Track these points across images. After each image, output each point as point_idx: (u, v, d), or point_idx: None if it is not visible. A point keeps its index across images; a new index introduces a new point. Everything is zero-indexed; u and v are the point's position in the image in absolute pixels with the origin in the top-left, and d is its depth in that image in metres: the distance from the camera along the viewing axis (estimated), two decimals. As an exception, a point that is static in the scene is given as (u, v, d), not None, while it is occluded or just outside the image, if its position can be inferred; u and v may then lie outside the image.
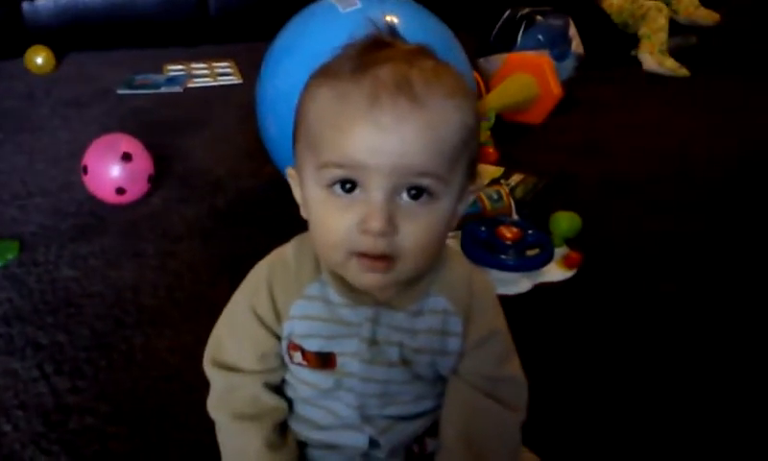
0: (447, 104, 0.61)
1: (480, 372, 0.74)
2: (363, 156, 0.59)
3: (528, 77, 2.28)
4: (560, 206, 1.56)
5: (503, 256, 1.40)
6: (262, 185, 1.80)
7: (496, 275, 1.38)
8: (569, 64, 2.47)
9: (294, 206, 0.70)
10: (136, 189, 1.71)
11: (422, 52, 0.65)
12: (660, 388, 1.13)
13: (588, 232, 1.53)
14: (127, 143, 1.72)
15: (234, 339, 0.76)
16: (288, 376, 0.76)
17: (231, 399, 0.75)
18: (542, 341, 1.23)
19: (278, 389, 0.76)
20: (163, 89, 2.68)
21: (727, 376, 1.16)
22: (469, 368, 0.74)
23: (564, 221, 1.50)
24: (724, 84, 2.85)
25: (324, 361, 0.72)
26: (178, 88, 2.70)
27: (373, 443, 0.74)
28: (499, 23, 2.54)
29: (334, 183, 0.62)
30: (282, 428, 0.76)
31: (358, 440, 0.74)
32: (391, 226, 0.60)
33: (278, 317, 0.72)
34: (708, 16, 3.21)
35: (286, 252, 0.75)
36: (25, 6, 3.02)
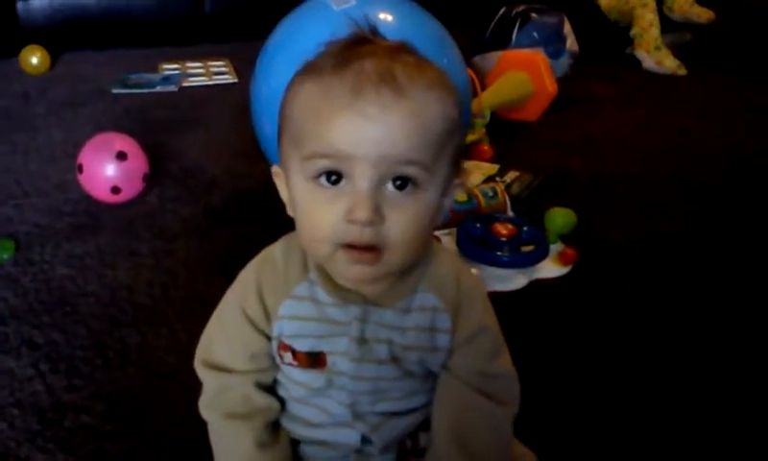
0: (430, 95, 0.62)
1: (470, 368, 0.74)
2: (348, 146, 0.60)
3: (523, 74, 2.28)
4: (555, 203, 1.56)
5: (498, 253, 1.40)
6: (257, 184, 1.80)
7: (492, 271, 1.39)
8: (564, 62, 2.47)
9: (287, 204, 0.70)
10: (131, 188, 1.71)
11: (404, 48, 0.66)
12: (654, 384, 1.14)
13: (584, 229, 1.54)
14: (122, 142, 1.72)
15: (225, 340, 0.76)
16: (279, 376, 0.76)
17: (223, 399, 0.76)
18: (538, 337, 1.23)
19: (270, 389, 0.77)
20: (158, 88, 2.68)
21: (721, 373, 1.17)
22: (459, 364, 0.74)
23: (560, 217, 1.51)
24: (719, 81, 2.85)
25: (314, 361, 0.72)
26: (173, 87, 2.69)
27: (366, 439, 0.75)
28: (494, 21, 2.55)
29: (320, 175, 0.62)
30: (274, 427, 0.76)
31: (350, 437, 0.75)
32: (377, 215, 0.61)
33: (268, 317, 0.73)
34: (702, 14, 3.22)
35: (274, 251, 0.75)
36: (19, 6, 3.00)
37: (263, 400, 0.75)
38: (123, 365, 1.17)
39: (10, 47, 2.93)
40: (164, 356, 1.18)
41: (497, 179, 1.78)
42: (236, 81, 2.75)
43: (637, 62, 3.01)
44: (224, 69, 2.88)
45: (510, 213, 1.60)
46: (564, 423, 1.04)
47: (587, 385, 1.13)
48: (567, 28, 2.50)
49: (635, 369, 1.17)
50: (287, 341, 0.72)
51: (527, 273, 1.41)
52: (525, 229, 1.46)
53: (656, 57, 2.96)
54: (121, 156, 1.68)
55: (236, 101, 2.32)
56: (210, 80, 2.79)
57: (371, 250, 0.62)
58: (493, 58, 2.40)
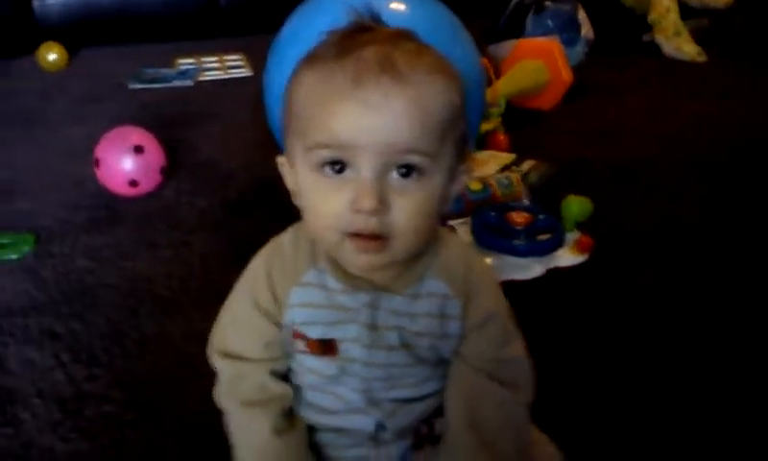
0: (431, 80, 0.62)
1: (481, 354, 0.74)
2: (350, 135, 0.60)
3: (538, 63, 2.27)
4: (571, 191, 1.55)
5: (514, 242, 1.40)
6: (273, 176, 1.81)
7: (508, 260, 1.38)
8: (579, 50, 2.46)
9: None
10: (149, 181, 1.73)
11: (405, 35, 0.66)
12: (673, 373, 1.13)
13: (600, 217, 1.53)
14: (138, 136, 1.74)
15: (238, 329, 0.77)
16: (294, 365, 0.77)
17: (239, 387, 0.76)
18: (555, 325, 1.23)
19: (285, 376, 0.77)
20: (174, 83, 2.70)
21: (740, 361, 1.16)
22: (471, 350, 0.74)
23: (576, 205, 1.50)
24: (736, 67, 2.82)
25: (325, 348, 0.72)
26: (189, 82, 2.71)
27: (381, 426, 0.75)
28: (508, 9, 2.54)
29: (324, 165, 0.63)
30: (290, 414, 0.77)
31: (365, 423, 0.75)
32: (382, 204, 0.61)
33: (279, 305, 0.73)
34: (720, -1, 3.18)
35: (282, 240, 0.76)
36: (35, 3, 3.03)
37: (278, 387, 0.76)
38: (142, 354, 1.19)
39: (26, 44, 2.96)
40: (182, 345, 1.20)
41: (513, 167, 1.77)
42: (252, 74, 2.75)
43: (654, 49, 2.97)
44: (239, 63, 2.89)
45: (526, 202, 1.60)
46: (582, 412, 1.04)
47: (604, 374, 1.12)
48: (582, 15, 2.49)
49: (652, 358, 1.17)
50: (299, 329, 0.73)
51: (543, 261, 1.41)
52: (541, 217, 1.46)
53: (675, 42, 2.92)
54: (138, 149, 1.70)
55: (252, 94, 2.32)
56: (226, 74, 2.80)
57: (377, 238, 0.63)
58: (508, 46, 2.38)
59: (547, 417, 0.85)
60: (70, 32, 3.07)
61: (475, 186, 1.56)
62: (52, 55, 2.87)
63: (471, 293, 0.73)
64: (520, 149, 1.90)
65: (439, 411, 0.77)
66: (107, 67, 2.89)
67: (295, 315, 0.73)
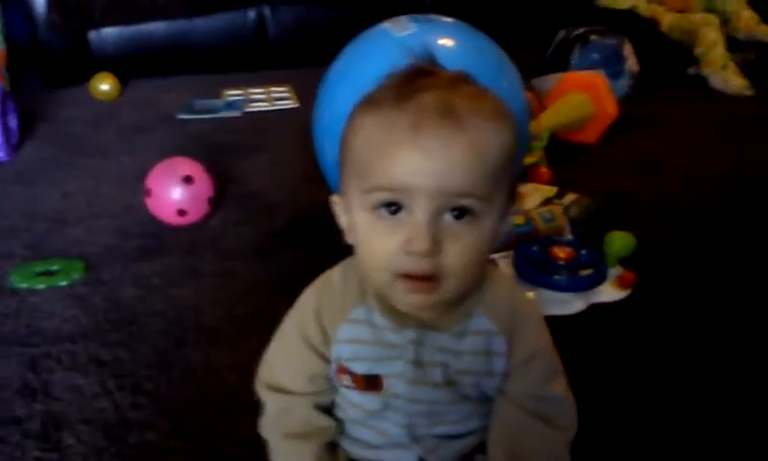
0: (489, 127, 0.63)
1: (526, 391, 0.74)
2: (408, 178, 0.61)
3: (583, 96, 2.26)
4: (614, 225, 1.54)
5: (556, 277, 1.39)
6: (318, 208, 1.83)
7: (549, 295, 1.38)
8: (624, 83, 2.45)
9: (346, 229, 0.72)
10: (197, 211, 1.76)
11: (463, 79, 0.67)
12: (714, 412, 1.11)
13: (643, 253, 1.51)
14: (188, 166, 1.77)
15: (285, 362, 0.78)
16: (338, 399, 0.78)
17: (284, 420, 0.77)
18: (596, 361, 1.22)
19: (328, 410, 0.78)
20: (222, 114, 2.75)
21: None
22: (515, 388, 0.74)
23: (618, 240, 1.49)
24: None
25: (370, 383, 0.73)
26: (236, 113, 2.76)
27: (422, 461, 0.75)
28: (554, 43, 2.54)
29: (380, 206, 0.64)
30: (332, 447, 0.78)
31: (407, 458, 0.75)
32: (435, 246, 0.62)
33: (327, 340, 0.74)
34: (768, 32, 3.14)
35: (333, 276, 0.77)
36: (91, 34, 3.13)
37: (322, 420, 0.77)
38: (187, 383, 1.20)
39: (81, 74, 3.05)
40: (227, 375, 1.21)
41: (555, 201, 1.77)
42: (298, 106, 2.79)
43: (700, 83, 2.95)
44: (286, 95, 2.93)
45: (568, 236, 1.59)
46: (623, 449, 1.03)
47: (645, 411, 1.11)
48: (628, 49, 2.48)
49: (695, 395, 1.14)
50: (345, 364, 0.74)
51: (585, 296, 1.40)
52: (583, 252, 1.45)
53: (722, 75, 2.89)
54: (187, 179, 1.73)
55: (298, 126, 2.36)
56: (272, 105, 2.85)
57: (428, 279, 0.63)
58: (553, 80, 2.38)
59: (588, 454, 0.84)
60: (123, 63, 3.16)
61: (518, 220, 1.56)
62: (105, 85, 2.95)
63: (517, 330, 0.73)
64: (563, 182, 1.89)
65: (481, 447, 0.77)
66: (157, 98, 2.96)
67: (342, 351, 0.74)
